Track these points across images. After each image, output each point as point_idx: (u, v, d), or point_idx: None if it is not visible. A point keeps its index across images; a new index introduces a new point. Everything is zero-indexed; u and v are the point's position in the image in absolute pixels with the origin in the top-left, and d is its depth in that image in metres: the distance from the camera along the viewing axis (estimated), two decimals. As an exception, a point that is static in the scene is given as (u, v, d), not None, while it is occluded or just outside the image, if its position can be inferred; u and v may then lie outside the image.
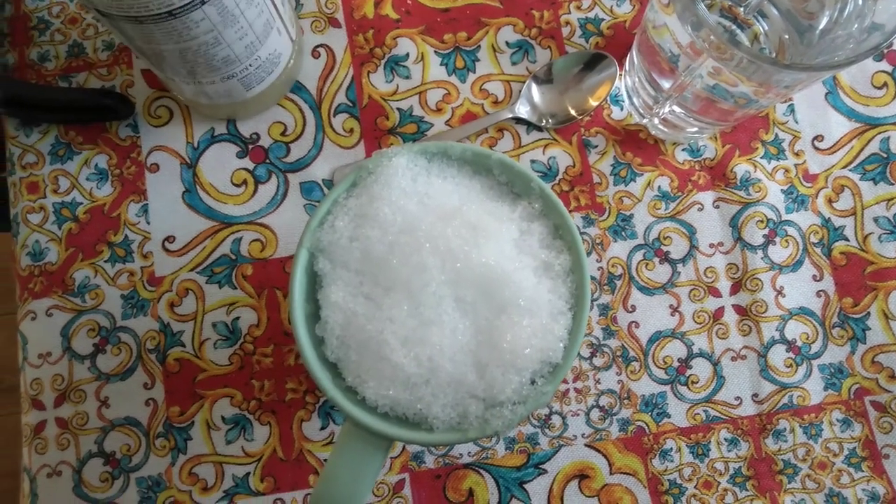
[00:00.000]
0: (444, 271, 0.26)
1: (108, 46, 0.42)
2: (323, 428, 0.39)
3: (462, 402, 0.26)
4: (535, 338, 0.26)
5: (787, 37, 0.34)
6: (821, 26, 0.32)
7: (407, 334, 0.26)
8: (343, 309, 0.27)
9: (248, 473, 0.38)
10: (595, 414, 0.39)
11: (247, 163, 0.41)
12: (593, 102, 0.40)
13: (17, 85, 0.38)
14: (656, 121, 0.39)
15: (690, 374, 0.39)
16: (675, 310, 0.40)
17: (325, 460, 0.38)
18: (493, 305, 0.26)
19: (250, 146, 0.41)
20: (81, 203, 0.40)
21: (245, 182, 0.41)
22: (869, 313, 0.40)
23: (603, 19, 0.42)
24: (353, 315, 0.26)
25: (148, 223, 0.40)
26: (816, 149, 0.41)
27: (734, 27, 0.36)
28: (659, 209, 0.40)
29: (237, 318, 0.39)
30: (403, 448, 0.39)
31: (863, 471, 0.38)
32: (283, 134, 0.41)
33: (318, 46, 0.42)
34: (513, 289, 0.26)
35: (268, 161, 0.41)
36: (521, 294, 0.26)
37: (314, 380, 0.26)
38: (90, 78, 0.42)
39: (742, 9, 0.36)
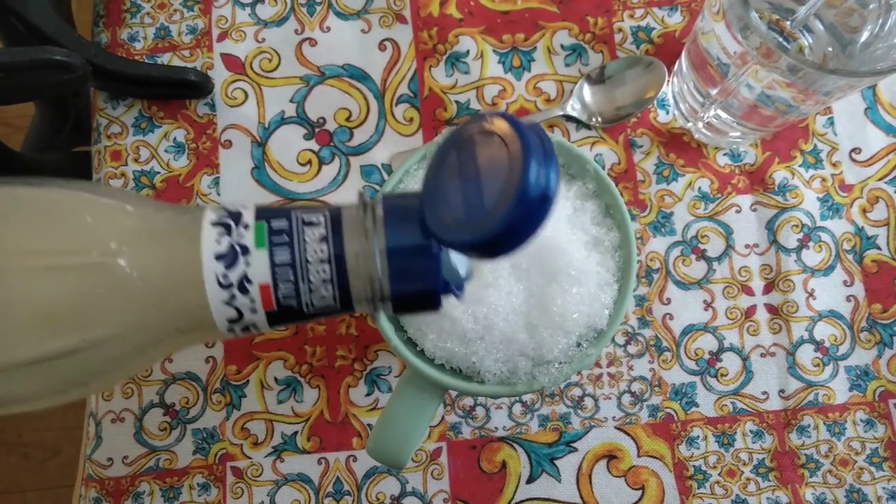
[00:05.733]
0: (503, 239, 0.28)
1: (192, 30, 0.45)
2: (368, 395, 0.41)
3: (512, 359, 0.28)
4: (582, 305, 0.28)
5: (830, 49, 0.36)
6: (862, 39, 0.34)
7: (465, 293, 0.28)
8: (408, 268, 0.29)
9: (296, 432, 0.41)
10: (626, 399, 0.41)
11: (312, 144, 0.44)
12: (641, 105, 0.42)
13: (111, 59, 0.41)
14: (700, 125, 0.42)
15: (720, 367, 0.41)
16: (708, 305, 0.41)
17: (369, 426, 0.41)
18: (545, 273, 0.28)
19: (316, 129, 0.44)
20: (159, 172, 0.44)
21: (310, 162, 0.44)
22: (897, 320, 0.41)
23: (654, 28, 0.45)
24: (418, 273, 0.29)
25: (218, 194, 0.43)
26: (853, 160, 0.43)
27: (780, 40, 0.38)
28: (698, 209, 0.42)
29: (295, 287, 0.42)
30: (442, 418, 0.41)
31: (884, 470, 0.40)
32: (347, 119, 0.44)
33: (384, 40, 0.45)
34: (564, 259, 0.28)
35: (332, 144, 0.44)
36: (571, 265, 0.28)
37: (380, 330, 0.29)
38: (173, 59, 0.45)
39: (789, 22, 0.38)
